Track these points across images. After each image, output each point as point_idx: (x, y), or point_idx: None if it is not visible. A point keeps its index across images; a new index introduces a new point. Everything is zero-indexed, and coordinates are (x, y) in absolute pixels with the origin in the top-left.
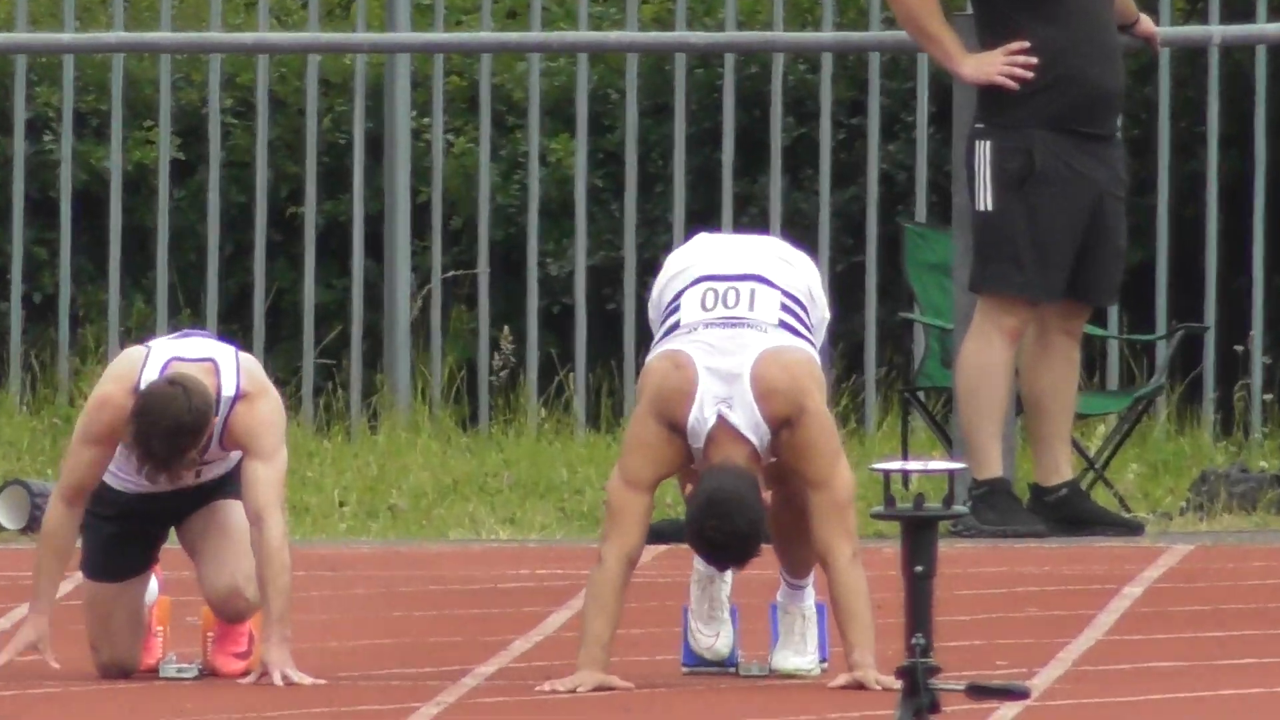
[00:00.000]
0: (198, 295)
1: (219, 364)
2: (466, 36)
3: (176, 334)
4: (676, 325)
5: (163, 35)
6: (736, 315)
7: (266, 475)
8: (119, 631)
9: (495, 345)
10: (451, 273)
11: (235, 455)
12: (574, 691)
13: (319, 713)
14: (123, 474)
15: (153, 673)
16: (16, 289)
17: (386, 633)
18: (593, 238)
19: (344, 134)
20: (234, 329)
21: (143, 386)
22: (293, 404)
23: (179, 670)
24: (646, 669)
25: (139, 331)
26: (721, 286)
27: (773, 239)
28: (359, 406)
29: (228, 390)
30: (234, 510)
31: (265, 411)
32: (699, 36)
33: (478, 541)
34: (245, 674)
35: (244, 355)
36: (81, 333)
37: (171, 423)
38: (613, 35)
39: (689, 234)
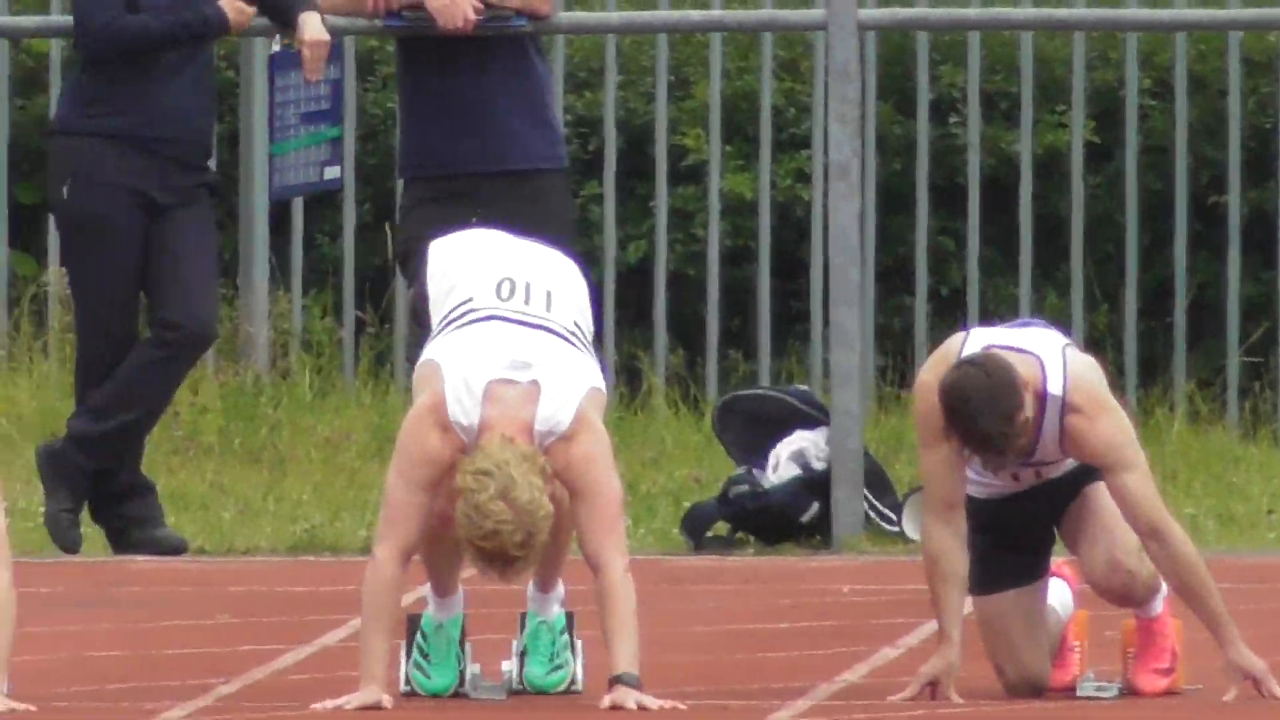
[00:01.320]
0: (1115, 288)
1: (1043, 360)
2: None
3: (1013, 323)
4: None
5: (1076, 12)
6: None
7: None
8: (1021, 645)
9: None
10: None
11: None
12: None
13: None
14: (980, 479)
15: (1069, 690)
16: (922, 281)
17: None
18: None
19: (1269, 117)
20: (1152, 325)
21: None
22: (1215, 407)
23: (1098, 689)
24: None
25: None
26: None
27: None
28: None
29: (1053, 388)
30: (1105, 492)
31: (1107, 426)
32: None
33: None
34: (1168, 693)
35: (1077, 359)
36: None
37: (982, 402)
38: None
39: None
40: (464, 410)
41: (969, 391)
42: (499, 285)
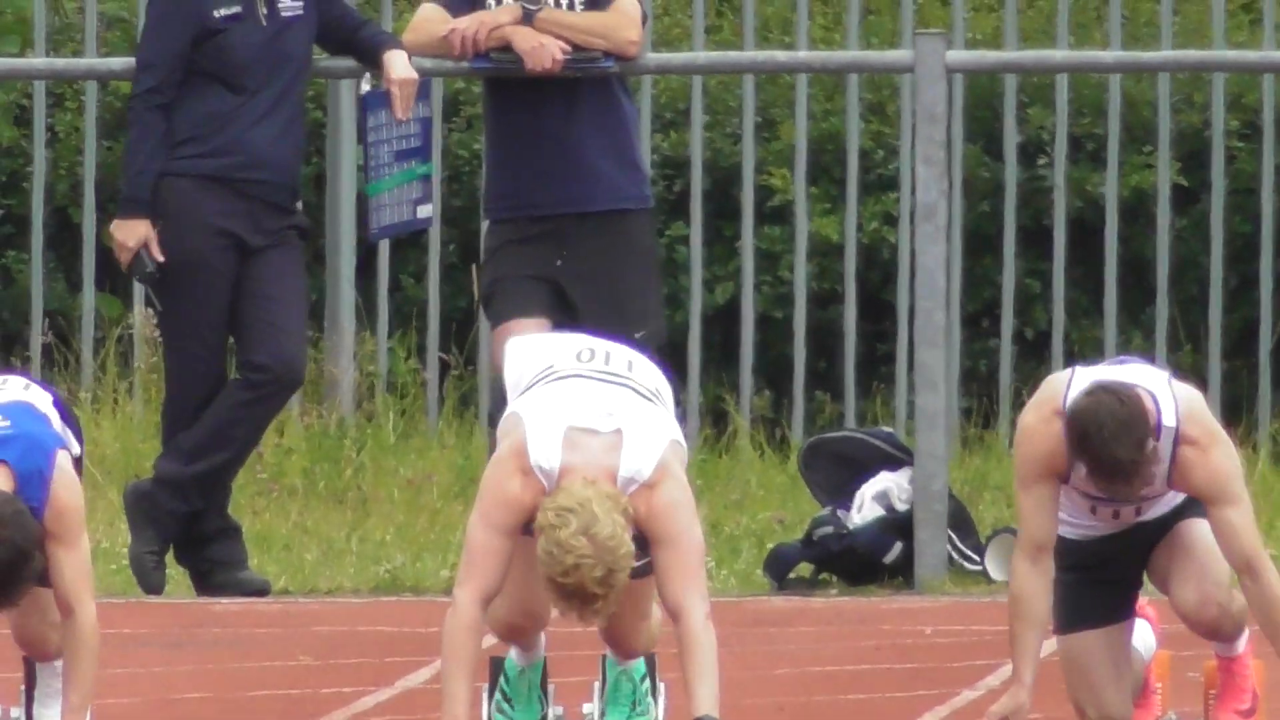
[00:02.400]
0: (1198, 330)
1: (1155, 393)
2: None
3: (1112, 360)
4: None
5: (1162, 54)
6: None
7: None
8: (1104, 685)
9: None
10: None
11: (1178, 497)
12: None
13: None
14: (1076, 521)
15: None
16: (1007, 324)
17: None
18: None
19: None
20: (1236, 365)
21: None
22: None
23: None
24: None
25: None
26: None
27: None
28: None
29: (1167, 420)
30: (1197, 526)
31: (1218, 457)
32: None
33: None
34: None
35: (1185, 391)
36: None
37: (1117, 428)
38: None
39: None
40: (545, 455)
41: (1103, 418)
42: (579, 352)
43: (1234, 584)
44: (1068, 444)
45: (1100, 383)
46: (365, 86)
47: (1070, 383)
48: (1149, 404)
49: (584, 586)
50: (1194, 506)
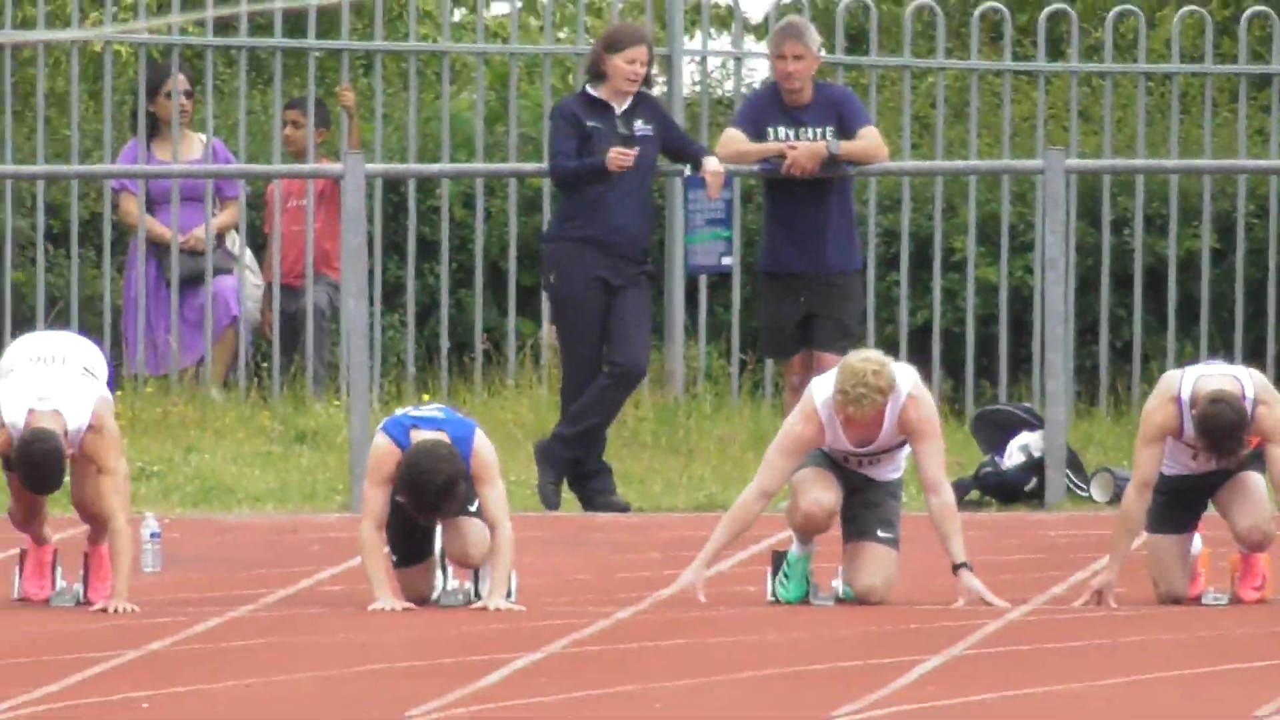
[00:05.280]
0: (1230, 341)
1: (1239, 378)
2: None
3: (1206, 360)
4: None
5: (1205, 162)
6: None
7: None
8: (1173, 571)
9: None
10: None
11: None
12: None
13: None
14: (1175, 462)
15: (1197, 600)
16: (1104, 338)
17: None
18: None
19: None
20: (1250, 363)
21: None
22: None
23: (1215, 599)
24: None
25: None
26: None
27: None
28: None
29: (1248, 394)
30: (1253, 477)
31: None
32: None
33: None
34: (1260, 600)
35: (1254, 374)
36: None
37: (1232, 428)
38: None
39: None
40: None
41: (1225, 422)
42: None
43: (1271, 520)
44: (1198, 432)
45: (1221, 393)
46: (687, 172)
47: (1182, 378)
48: (1237, 387)
49: None
50: (1252, 463)
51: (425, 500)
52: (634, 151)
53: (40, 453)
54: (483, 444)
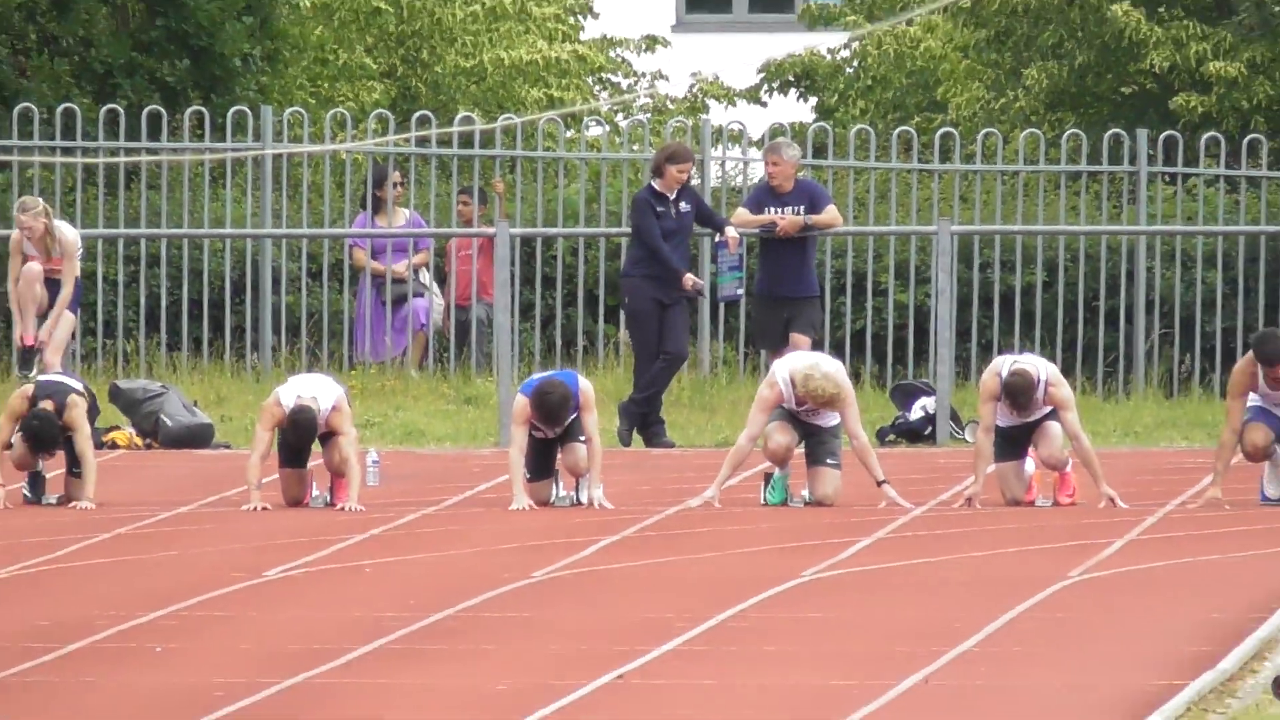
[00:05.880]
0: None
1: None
2: None
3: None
4: None
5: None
6: None
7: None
8: (1014, 484)
9: None
10: None
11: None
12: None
13: None
14: (1010, 419)
15: (1030, 504)
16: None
17: None
18: None
19: None
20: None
21: None
22: None
23: (1041, 502)
24: None
25: None
26: None
27: None
28: None
29: None
30: (1049, 425)
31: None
32: None
33: None
34: (1072, 504)
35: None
36: None
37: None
38: None
39: None
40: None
41: (1017, 388)
42: None
43: (1063, 448)
44: (1003, 394)
45: (1019, 370)
46: (719, 238)
47: (1003, 362)
48: (1035, 370)
49: None
50: (1051, 416)
51: (548, 410)
52: (702, 283)
53: (304, 419)
54: (584, 382)
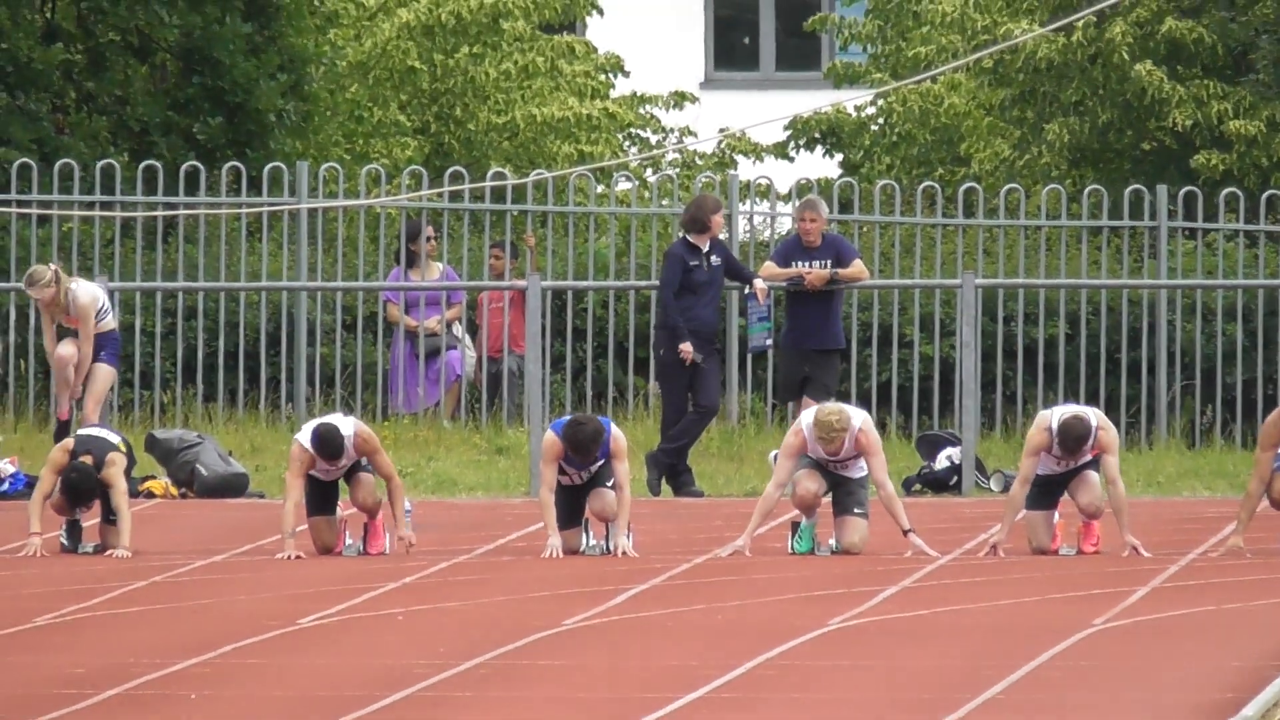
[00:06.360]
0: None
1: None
2: None
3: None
4: None
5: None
6: None
7: None
8: (1041, 534)
9: None
10: None
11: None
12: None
13: None
14: (1049, 468)
15: (1055, 552)
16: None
17: None
18: None
19: None
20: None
21: None
22: None
23: (1066, 551)
24: None
25: None
26: None
27: None
28: None
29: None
30: (1087, 473)
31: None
32: None
33: None
34: (1096, 553)
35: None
36: None
37: None
38: None
39: None
40: None
41: (1077, 433)
42: None
43: (1100, 497)
44: (1058, 438)
45: (1078, 415)
46: (748, 290)
47: (1052, 413)
48: (1088, 417)
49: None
50: (1090, 466)
51: (579, 441)
52: (697, 357)
53: (330, 435)
54: (617, 430)
